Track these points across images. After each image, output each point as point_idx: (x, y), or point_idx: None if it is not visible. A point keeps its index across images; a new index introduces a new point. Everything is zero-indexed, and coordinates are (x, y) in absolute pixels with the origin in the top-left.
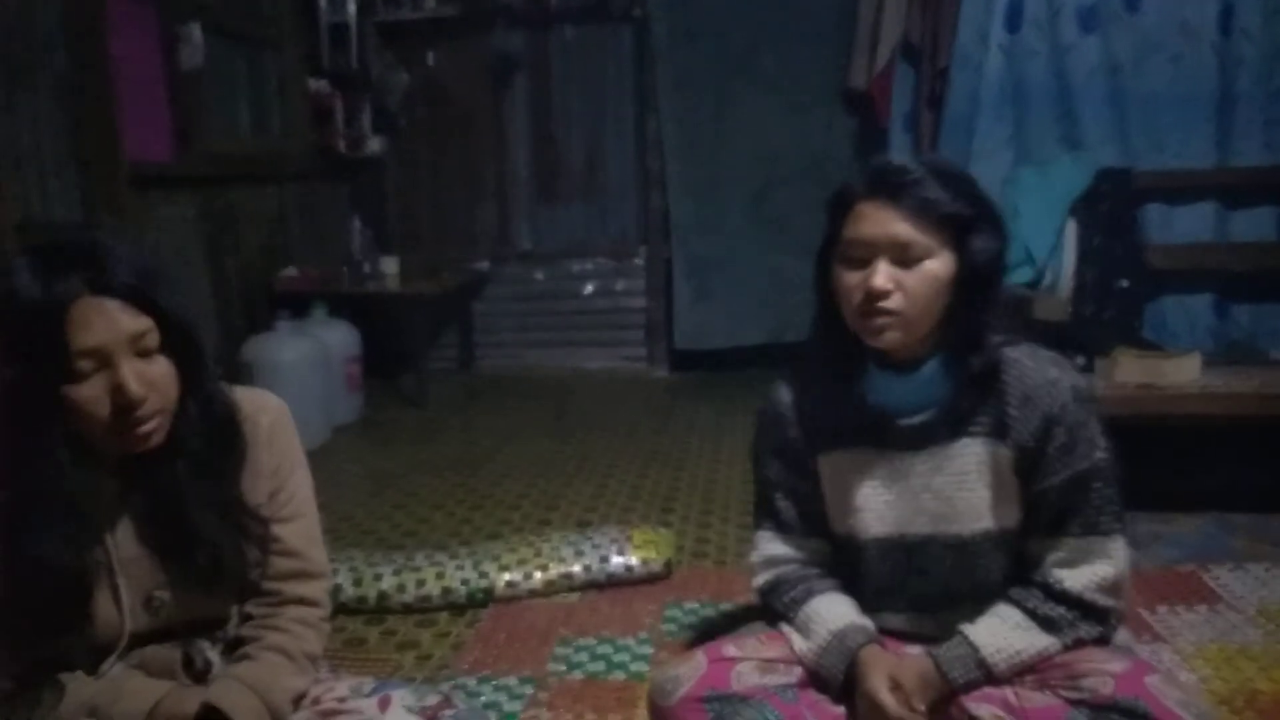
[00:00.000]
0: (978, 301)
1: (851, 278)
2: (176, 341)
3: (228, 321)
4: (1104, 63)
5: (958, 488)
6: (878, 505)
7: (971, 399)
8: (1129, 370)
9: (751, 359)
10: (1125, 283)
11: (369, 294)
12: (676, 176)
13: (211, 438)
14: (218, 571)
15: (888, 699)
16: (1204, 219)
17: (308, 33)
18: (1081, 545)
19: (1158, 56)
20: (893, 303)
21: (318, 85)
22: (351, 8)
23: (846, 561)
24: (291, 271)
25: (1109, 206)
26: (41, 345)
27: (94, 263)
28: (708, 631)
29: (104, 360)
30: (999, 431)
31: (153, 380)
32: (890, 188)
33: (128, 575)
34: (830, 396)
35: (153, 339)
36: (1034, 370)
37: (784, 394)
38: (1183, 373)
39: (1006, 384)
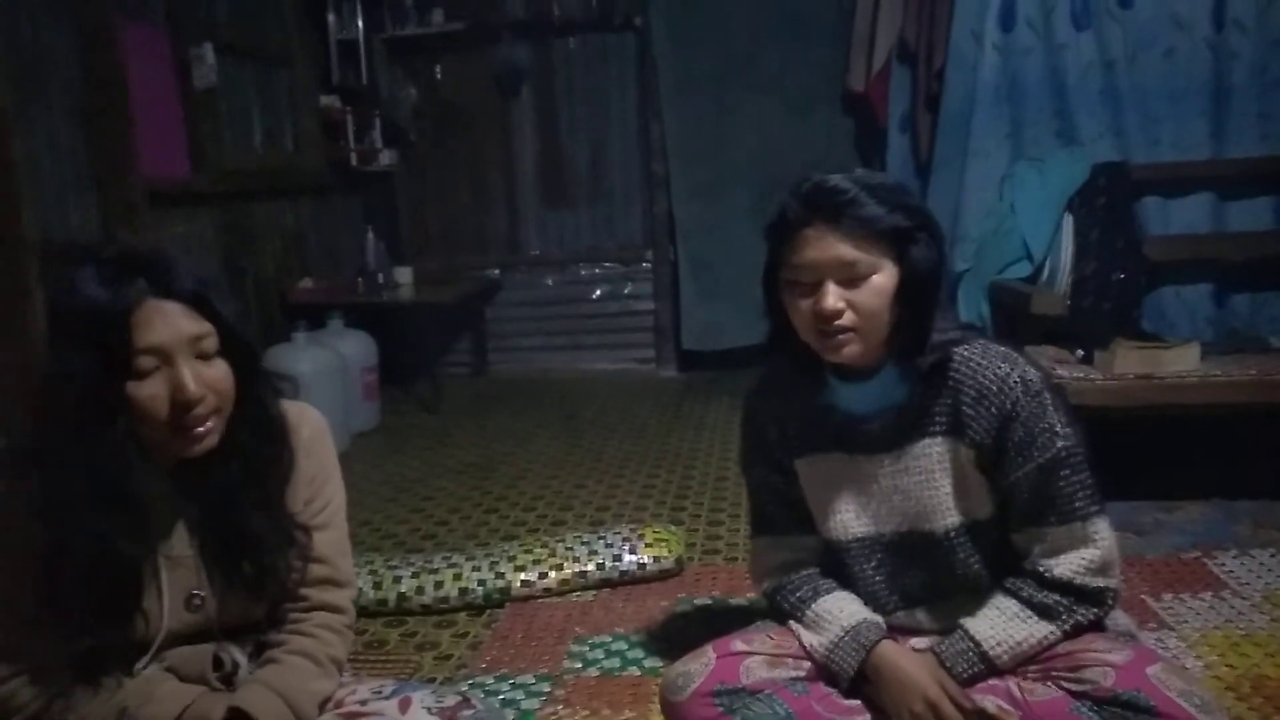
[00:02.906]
0: (923, 306)
1: (802, 302)
2: (233, 348)
3: None
4: (1098, 59)
5: (923, 486)
6: (853, 507)
7: (927, 399)
8: (1128, 361)
9: (758, 358)
10: (1123, 275)
11: (384, 303)
12: (680, 180)
13: (264, 444)
14: (263, 575)
15: (955, 715)
16: (1201, 210)
17: (317, 50)
18: (1062, 533)
19: (1151, 51)
20: (846, 320)
21: (328, 101)
22: (360, 25)
23: (834, 562)
24: (308, 283)
25: (1106, 200)
26: (107, 344)
27: (157, 269)
28: (719, 628)
29: (165, 359)
30: (957, 429)
31: (211, 382)
32: (828, 210)
33: (172, 574)
34: (797, 404)
35: (211, 343)
36: (985, 367)
37: (759, 401)
38: (1182, 362)
39: (960, 382)
